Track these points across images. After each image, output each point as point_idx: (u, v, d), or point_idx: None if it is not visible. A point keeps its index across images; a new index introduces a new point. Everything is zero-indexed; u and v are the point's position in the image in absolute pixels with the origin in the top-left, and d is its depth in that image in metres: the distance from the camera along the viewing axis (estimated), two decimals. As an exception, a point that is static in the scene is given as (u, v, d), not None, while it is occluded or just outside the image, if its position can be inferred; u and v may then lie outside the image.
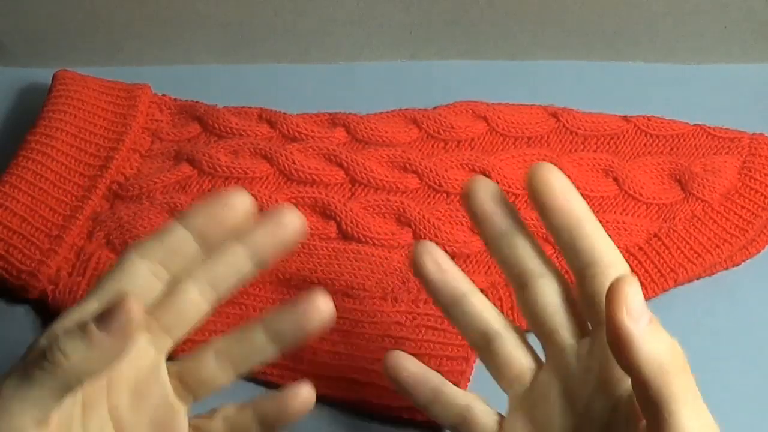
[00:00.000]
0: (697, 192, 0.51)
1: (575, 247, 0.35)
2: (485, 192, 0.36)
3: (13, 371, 0.31)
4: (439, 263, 0.37)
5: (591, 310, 0.35)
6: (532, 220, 0.50)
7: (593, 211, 0.50)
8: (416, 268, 0.37)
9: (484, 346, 0.37)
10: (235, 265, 0.35)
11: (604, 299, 0.31)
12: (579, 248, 0.35)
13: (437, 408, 0.38)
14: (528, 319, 0.37)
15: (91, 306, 0.32)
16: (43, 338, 0.31)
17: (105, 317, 0.30)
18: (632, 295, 0.30)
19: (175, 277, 0.34)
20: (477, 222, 0.36)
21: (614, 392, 0.34)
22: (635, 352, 0.30)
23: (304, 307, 0.35)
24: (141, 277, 0.33)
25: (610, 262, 0.34)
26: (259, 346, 0.36)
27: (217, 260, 0.35)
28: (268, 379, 0.45)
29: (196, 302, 0.35)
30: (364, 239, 0.49)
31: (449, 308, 0.37)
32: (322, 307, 0.35)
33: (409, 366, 0.38)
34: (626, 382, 0.32)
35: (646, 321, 0.30)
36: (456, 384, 0.39)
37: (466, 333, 0.37)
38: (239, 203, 0.34)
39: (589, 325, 0.36)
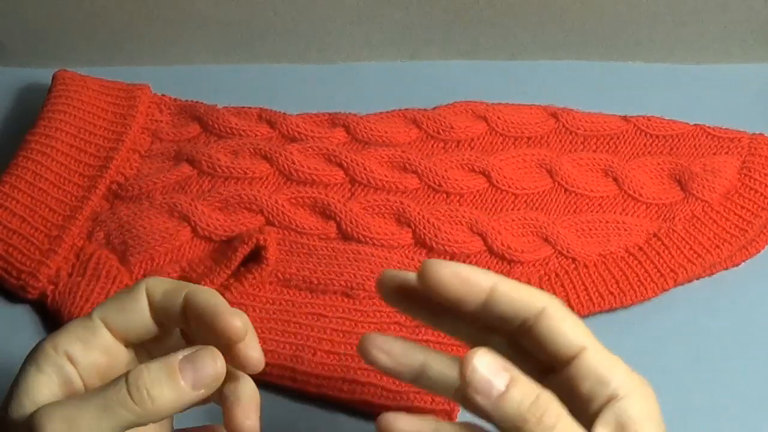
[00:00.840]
0: (697, 192, 0.51)
1: (503, 314, 0.34)
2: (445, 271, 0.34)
3: (89, 399, 0.31)
4: (386, 351, 0.36)
5: (546, 353, 0.34)
6: (532, 219, 0.50)
7: (593, 211, 0.50)
8: (369, 363, 0.36)
9: (460, 399, 0.36)
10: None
11: (553, 341, 0.33)
12: (506, 312, 0.33)
13: None
14: None
15: (95, 324, 0.33)
16: (131, 374, 0.31)
17: (196, 372, 0.31)
18: (476, 370, 0.31)
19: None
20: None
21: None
22: (492, 418, 0.31)
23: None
24: (142, 316, 0.34)
25: (539, 305, 0.33)
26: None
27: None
28: (266, 379, 0.45)
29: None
30: (363, 239, 0.49)
31: (416, 382, 0.36)
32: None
33: (401, 425, 0.37)
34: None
35: (496, 390, 0.31)
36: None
37: (442, 394, 0.37)
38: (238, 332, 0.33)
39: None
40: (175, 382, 0.31)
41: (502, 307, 0.33)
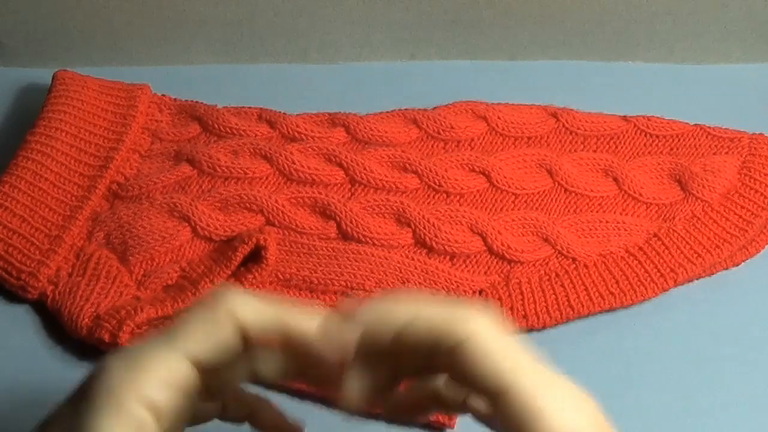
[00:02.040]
0: (697, 192, 0.51)
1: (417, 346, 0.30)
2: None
3: None
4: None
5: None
6: (532, 219, 0.50)
7: (593, 211, 0.50)
8: None
9: None
10: None
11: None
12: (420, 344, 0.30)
13: None
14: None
15: (177, 359, 0.29)
16: None
17: None
18: None
19: None
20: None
21: None
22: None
23: None
24: (227, 345, 0.30)
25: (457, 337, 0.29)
26: None
27: None
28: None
29: None
30: (363, 239, 0.49)
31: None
32: None
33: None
34: None
35: None
36: None
37: None
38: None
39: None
40: None
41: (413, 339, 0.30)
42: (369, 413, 0.44)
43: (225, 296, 0.30)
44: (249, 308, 0.30)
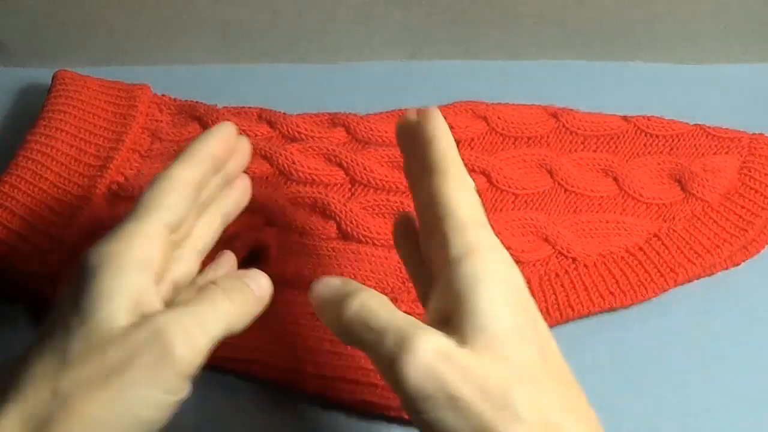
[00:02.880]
0: (697, 192, 0.51)
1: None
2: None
3: (203, 309, 0.35)
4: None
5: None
6: (532, 219, 0.50)
7: (593, 211, 0.50)
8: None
9: None
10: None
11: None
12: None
13: None
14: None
15: (158, 228, 0.36)
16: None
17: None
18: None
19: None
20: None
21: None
22: None
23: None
24: (188, 199, 0.38)
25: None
26: None
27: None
28: (268, 377, 0.45)
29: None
30: (364, 239, 0.49)
31: None
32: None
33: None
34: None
35: None
36: None
37: None
38: (233, 131, 0.42)
39: None
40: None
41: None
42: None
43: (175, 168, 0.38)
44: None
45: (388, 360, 0.31)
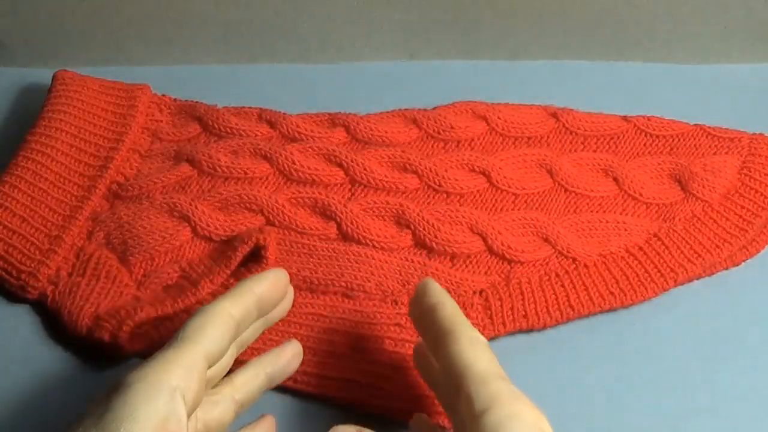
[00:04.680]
0: (697, 192, 0.51)
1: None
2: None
3: None
4: None
5: None
6: (532, 219, 0.50)
7: (593, 211, 0.50)
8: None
9: None
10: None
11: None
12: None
13: None
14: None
15: (198, 357, 0.36)
16: None
17: None
18: None
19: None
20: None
21: None
22: None
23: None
24: (230, 334, 0.38)
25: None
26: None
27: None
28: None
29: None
30: (364, 240, 0.49)
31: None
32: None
33: None
34: None
35: None
36: None
37: None
38: (285, 280, 0.42)
39: None
40: None
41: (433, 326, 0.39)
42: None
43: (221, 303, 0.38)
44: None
45: None
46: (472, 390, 0.34)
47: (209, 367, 0.37)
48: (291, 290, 0.44)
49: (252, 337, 0.42)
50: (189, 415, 0.34)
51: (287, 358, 0.43)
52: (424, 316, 0.39)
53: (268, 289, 0.41)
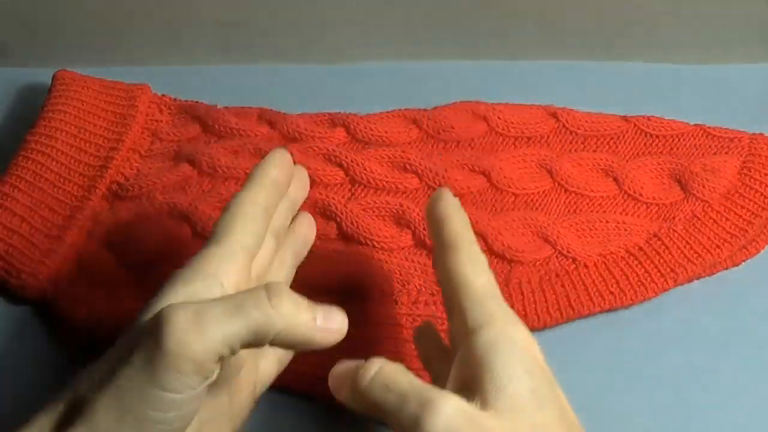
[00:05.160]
0: (697, 192, 0.51)
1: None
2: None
3: (223, 299, 0.32)
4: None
5: None
6: (532, 219, 0.50)
7: (593, 211, 0.50)
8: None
9: None
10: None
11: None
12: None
13: None
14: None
15: (238, 251, 0.36)
16: (272, 284, 0.33)
17: (326, 320, 0.35)
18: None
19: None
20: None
21: None
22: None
23: None
24: (260, 223, 0.38)
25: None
26: None
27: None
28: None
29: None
30: (364, 241, 0.49)
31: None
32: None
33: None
34: None
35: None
36: None
37: None
38: (289, 157, 0.42)
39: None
40: (309, 312, 0.33)
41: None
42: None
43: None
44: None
45: (410, 422, 0.32)
46: (468, 306, 0.35)
47: (252, 258, 0.37)
48: (301, 167, 0.44)
49: (285, 222, 0.42)
50: None
51: (304, 228, 0.44)
52: (434, 223, 0.39)
53: (275, 167, 0.40)
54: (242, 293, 0.32)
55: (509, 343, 0.33)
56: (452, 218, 0.39)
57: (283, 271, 0.42)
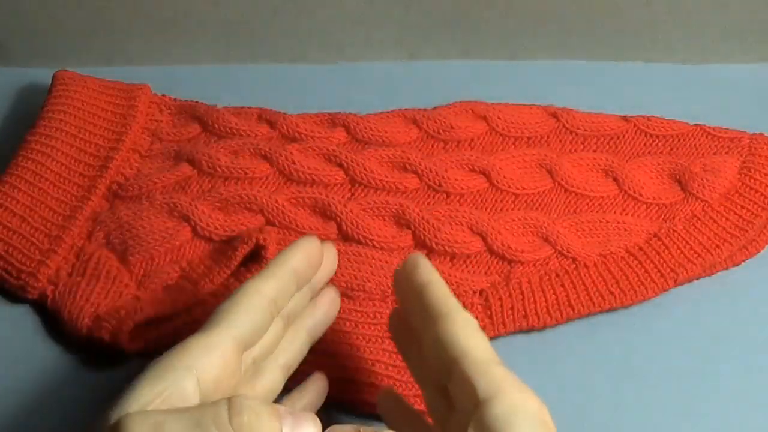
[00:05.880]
0: (697, 192, 0.51)
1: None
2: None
3: (184, 412, 0.31)
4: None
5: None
6: (532, 219, 0.50)
7: (593, 211, 0.50)
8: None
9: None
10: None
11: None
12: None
13: None
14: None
15: (224, 341, 0.35)
16: (234, 399, 0.31)
17: (295, 428, 0.32)
18: None
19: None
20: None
21: None
22: None
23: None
24: (263, 316, 0.36)
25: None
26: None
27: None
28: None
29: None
30: (364, 240, 0.49)
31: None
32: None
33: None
34: None
35: None
36: None
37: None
38: (318, 246, 0.40)
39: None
40: (274, 425, 0.31)
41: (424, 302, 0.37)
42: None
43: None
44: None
45: None
46: (473, 376, 0.34)
47: (245, 348, 0.36)
48: (330, 249, 0.42)
49: (300, 307, 0.40)
50: (209, 397, 0.33)
51: (324, 307, 0.42)
52: (413, 293, 0.38)
53: (301, 258, 0.39)
54: (204, 408, 0.31)
55: (524, 413, 0.33)
56: (435, 284, 0.37)
57: (291, 352, 0.40)
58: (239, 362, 0.35)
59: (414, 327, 0.38)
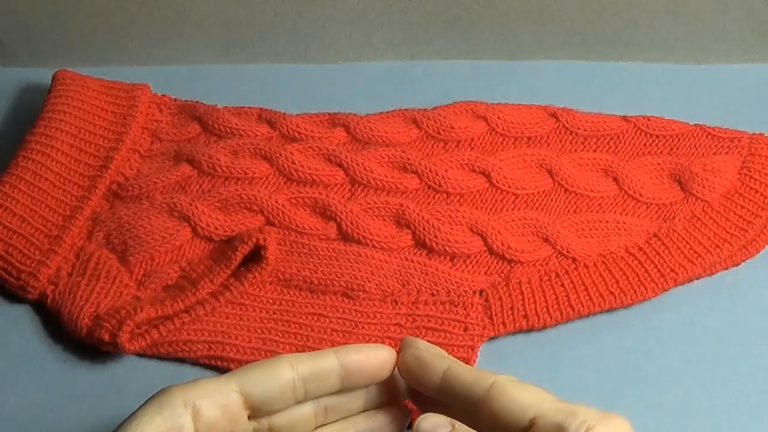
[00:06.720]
0: (697, 192, 0.51)
1: (458, 395, 0.36)
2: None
3: None
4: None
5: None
6: (532, 219, 0.50)
7: (593, 211, 0.50)
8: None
9: None
10: None
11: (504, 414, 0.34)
12: (460, 392, 0.36)
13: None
14: None
15: (230, 387, 0.35)
16: None
17: None
18: (421, 424, 0.36)
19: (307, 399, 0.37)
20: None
21: None
22: None
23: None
24: (282, 384, 0.36)
25: (488, 380, 0.35)
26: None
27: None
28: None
29: None
30: (364, 240, 0.49)
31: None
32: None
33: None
34: None
35: None
36: None
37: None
38: (385, 361, 0.37)
39: None
40: None
41: (455, 388, 0.35)
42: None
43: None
44: (298, 357, 0.36)
45: None
46: (565, 421, 0.32)
47: (253, 408, 0.35)
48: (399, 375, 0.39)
49: (346, 408, 0.38)
50: None
51: (381, 422, 0.39)
52: (444, 382, 0.36)
53: (357, 359, 0.37)
54: None
55: (624, 429, 0.33)
56: (455, 363, 0.36)
57: None
58: (243, 417, 0.35)
59: (460, 410, 0.36)
